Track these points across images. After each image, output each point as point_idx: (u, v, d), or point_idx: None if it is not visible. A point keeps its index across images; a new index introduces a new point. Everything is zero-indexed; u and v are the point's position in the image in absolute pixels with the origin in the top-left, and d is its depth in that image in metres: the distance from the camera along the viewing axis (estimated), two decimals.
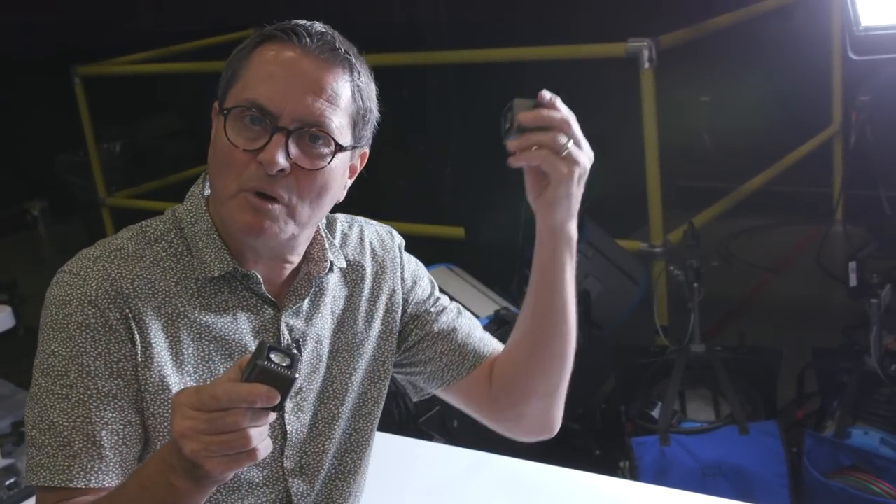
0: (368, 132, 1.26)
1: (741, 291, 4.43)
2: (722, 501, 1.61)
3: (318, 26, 1.21)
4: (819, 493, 2.60)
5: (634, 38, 3.41)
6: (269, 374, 0.97)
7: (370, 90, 1.24)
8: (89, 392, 1.16)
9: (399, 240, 1.43)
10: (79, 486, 1.15)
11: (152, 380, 1.18)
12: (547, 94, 1.17)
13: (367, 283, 1.36)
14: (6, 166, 6.38)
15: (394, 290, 1.38)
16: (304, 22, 1.20)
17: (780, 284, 4.53)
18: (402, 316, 1.39)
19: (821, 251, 4.30)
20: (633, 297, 3.59)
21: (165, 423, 1.19)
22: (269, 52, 1.18)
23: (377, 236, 1.40)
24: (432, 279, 1.45)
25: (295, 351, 1.01)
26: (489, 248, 3.48)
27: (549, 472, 1.75)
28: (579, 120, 1.17)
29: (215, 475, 0.99)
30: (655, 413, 2.84)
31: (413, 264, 1.43)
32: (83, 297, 1.17)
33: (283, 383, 0.97)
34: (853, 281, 2.87)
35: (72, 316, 1.17)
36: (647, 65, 3.40)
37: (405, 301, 1.39)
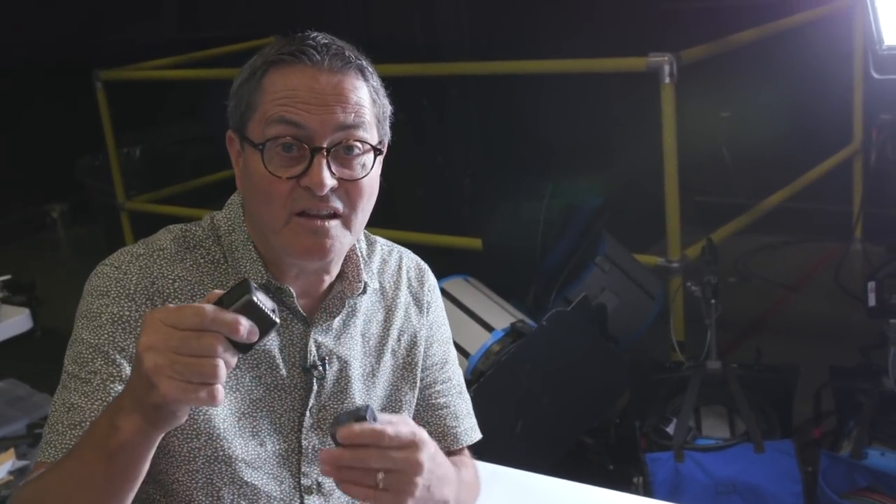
0: (387, 126, 1.27)
1: (758, 308, 4.41)
2: None
3: (321, 38, 1.20)
4: None
5: (655, 52, 3.41)
6: (255, 310, 0.92)
7: (381, 87, 1.25)
8: (112, 377, 1.16)
9: (434, 280, 1.43)
10: None
11: None
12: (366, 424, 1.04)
13: (400, 313, 1.37)
14: (27, 169, 6.43)
15: (422, 326, 1.39)
16: (304, 38, 1.19)
17: (798, 302, 4.50)
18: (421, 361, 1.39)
19: (839, 269, 4.28)
20: (649, 312, 3.58)
21: (185, 424, 1.18)
22: (282, 77, 1.17)
23: (415, 267, 1.41)
24: (449, 334, 1.45)
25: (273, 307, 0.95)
26: (506, 260, 3.47)
27: (562, 487, 1.75)
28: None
29: (168, 398, 0.92)
30: (670, 429, 2.83)
31: (441, 312, 1.44)
32: (121, 290, 1.19)
33: (264, 325, 0.93)
34: (872, 301, 2.85)
35: (107, 307, 1.18)
36: (667, 79, 3.40)
37: (425, 354, 1.40)
